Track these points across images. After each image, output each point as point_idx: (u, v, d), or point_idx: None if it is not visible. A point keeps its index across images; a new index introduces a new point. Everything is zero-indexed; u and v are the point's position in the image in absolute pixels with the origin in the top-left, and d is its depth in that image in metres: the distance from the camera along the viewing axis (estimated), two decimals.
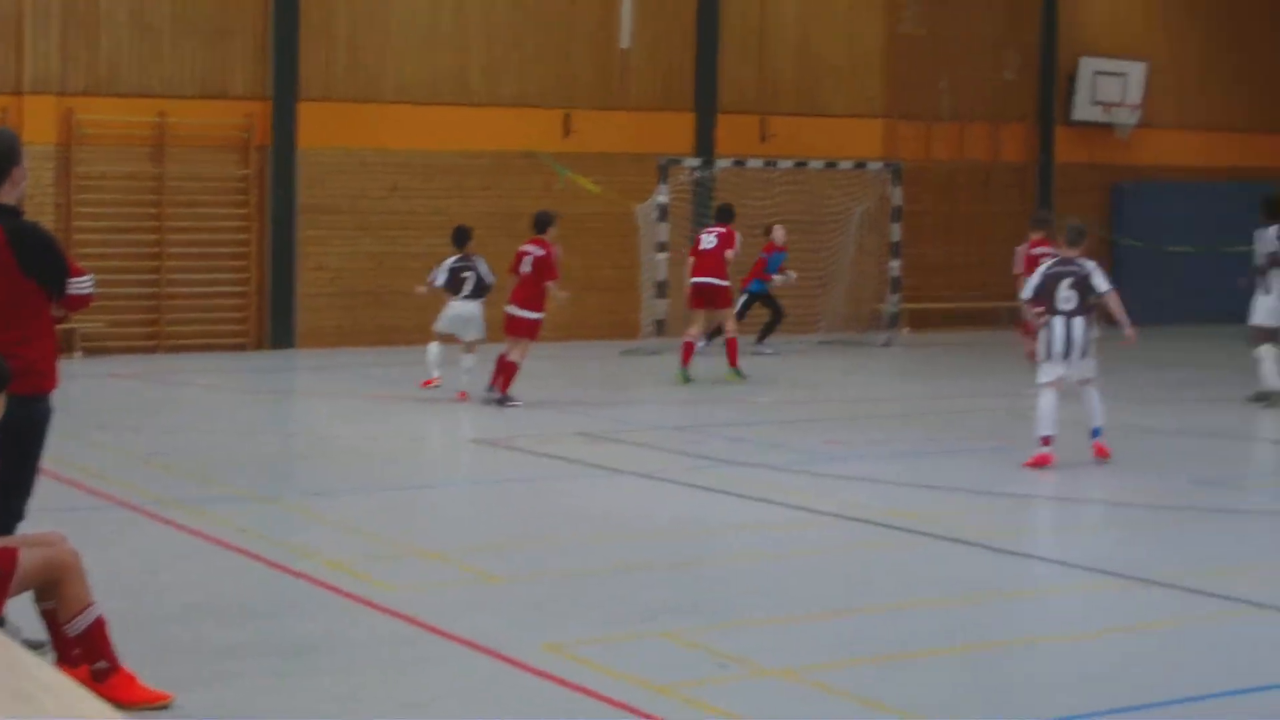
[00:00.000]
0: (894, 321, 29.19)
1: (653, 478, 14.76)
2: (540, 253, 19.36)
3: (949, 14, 32.19)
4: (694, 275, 22.45)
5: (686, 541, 12.26)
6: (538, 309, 19.32)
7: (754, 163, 28.91)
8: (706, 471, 15.05)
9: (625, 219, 27.93)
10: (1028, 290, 15.82)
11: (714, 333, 24.49)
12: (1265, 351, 19.57)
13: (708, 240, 22.74)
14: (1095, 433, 15.49)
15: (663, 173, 27.18)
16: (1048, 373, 15.38)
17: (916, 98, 32.01)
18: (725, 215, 23.58)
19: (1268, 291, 19.95)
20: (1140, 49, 34.16)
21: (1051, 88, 33.26)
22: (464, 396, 19.56)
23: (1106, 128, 33.67)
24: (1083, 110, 33.36)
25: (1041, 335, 15.60)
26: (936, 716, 7.80)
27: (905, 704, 8.00)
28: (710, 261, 22.43)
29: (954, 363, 25.88)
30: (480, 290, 19.93)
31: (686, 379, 21.85)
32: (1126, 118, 33.59)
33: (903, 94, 31.82)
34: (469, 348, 19.82)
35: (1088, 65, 33.28)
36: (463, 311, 19.86)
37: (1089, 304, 15.44)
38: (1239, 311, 32.88)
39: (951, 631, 9.47)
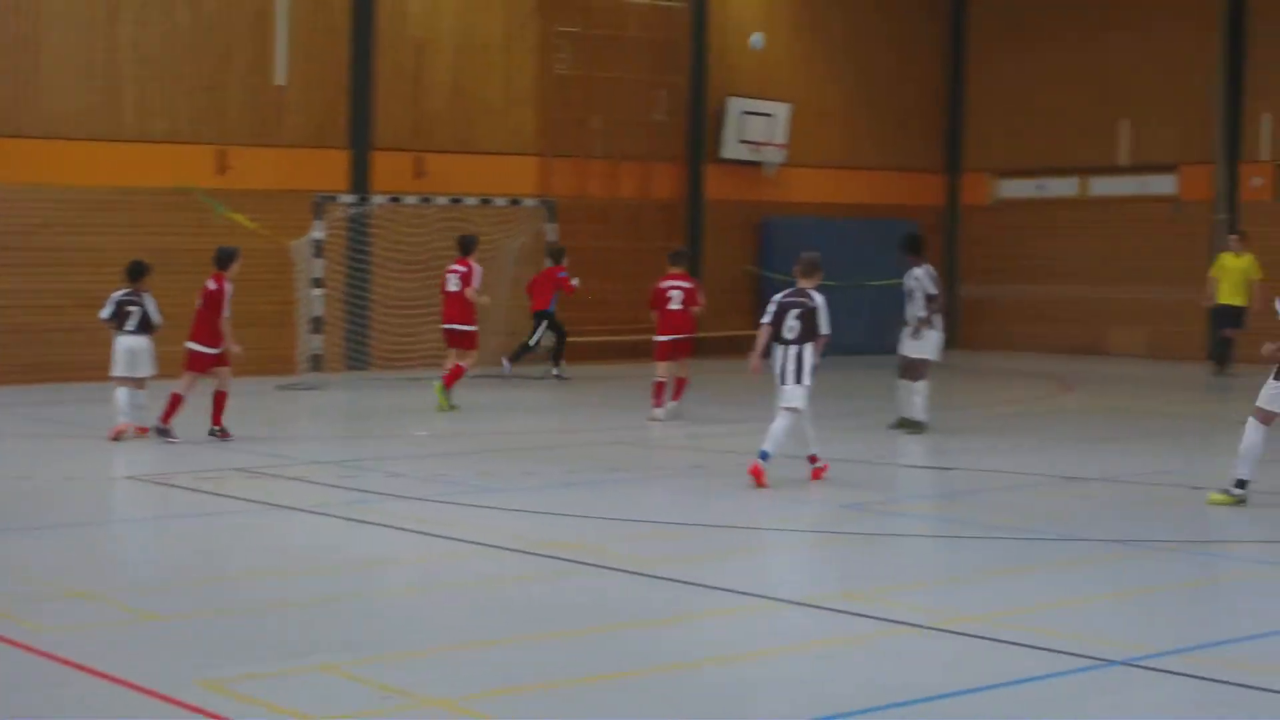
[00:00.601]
0: (553, 356, 29.53)
1: (312, 512, 14.76)
2: (213, 287, 19.37)
3: (601, 55, 32.77)
4: (443, 319, 23.43)
5: (346, 575, 12.28)
6: (214, 344, 19.36)
7: (410, 199, 29.06)
8: (365, 506, 15.11)
9: (281, 255, 27.80)
10: (765, 316, 16.48)
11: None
12: (920, 386, 20.36)
13: (452, 281, 23.24)
14: (763, 455, 16.07)
15: (318, 209, 27.15)
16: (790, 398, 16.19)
17: (570, 136, 32.52)
18: (466, 247, 23.70)
19: (932, 327, 20.46)
20: (785, 91, 35.24)
21: (701, 127, 34.09)
22: (144, 432, 19.51)
23: (754, 166, 34.64)
24: (731, 149, 34.25)
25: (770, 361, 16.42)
26: None
27: None
28: (454, 305, 23.18)
29: (608, 395, 26.31)
30: (146, 326, 19.69)
31: (448, 406, 22.81)
32: (773, 156, 34.63)
33: (556, 132, 32.29)
34: (139, 384, 19.60)
35: (735, 105, 34.20)
36: (131, 345, 19.60)
37: (814, 334, 16.26)
38: (882, 343, 34.15)
39: (609, 657, 9.67)
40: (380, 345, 29.40)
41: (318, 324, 26.96)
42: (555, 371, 28.73)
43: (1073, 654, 9.61)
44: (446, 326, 23.40)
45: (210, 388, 19.48)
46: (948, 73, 38.05)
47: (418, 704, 8.62)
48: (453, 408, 22.59)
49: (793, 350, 16.26)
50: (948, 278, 37.67)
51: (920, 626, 10.34)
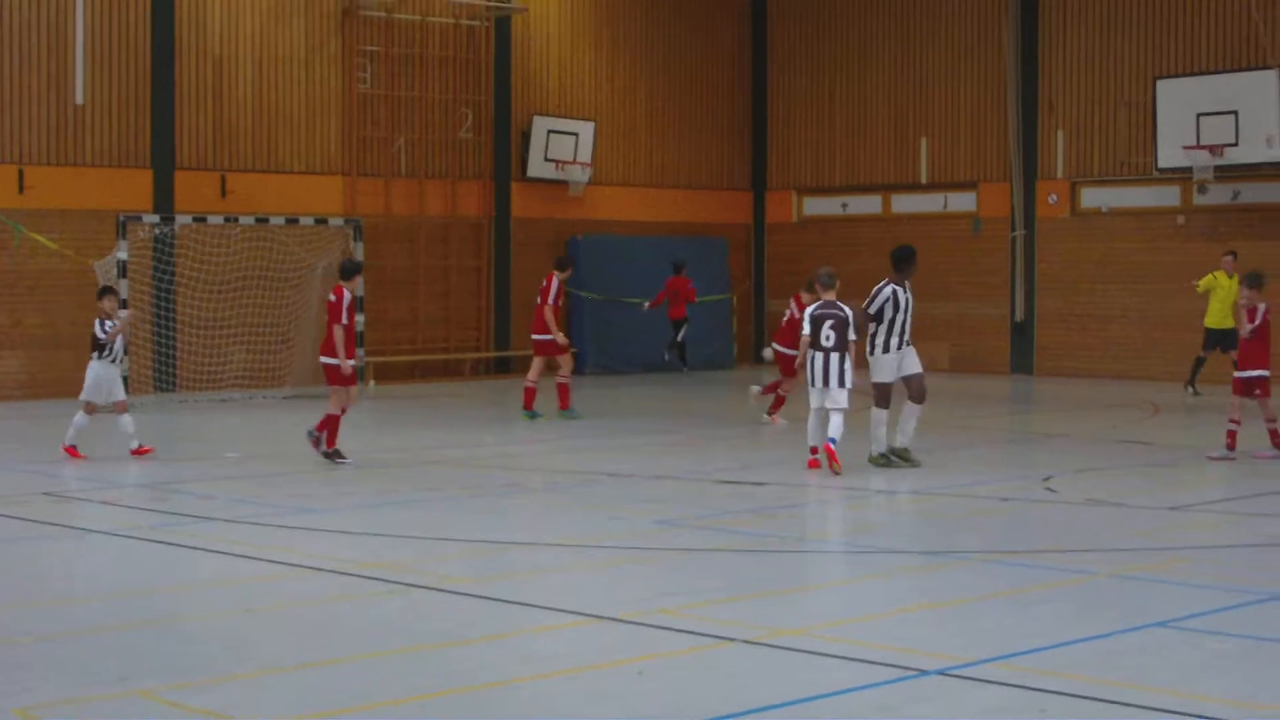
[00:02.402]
0: (360, 375, 29.37)
1: (124, 536, 14.58)
2: (333, 299, 19.50)
3: (405, 74, 32.72)
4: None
5: (160, 599, 12.14)
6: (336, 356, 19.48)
7: (214, 219, 28.78)
8: (178, 529, 14.95)
9: (85, 275, 27.38)
10: (805, 328, 18.76)
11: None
12: (879, 415, 19.04)
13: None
14: (831, 441, 18.20)
15: (122, 229, 26.79)
16: (812, 399, 18.54)
17: (375, 155, 32.41)
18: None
19: (886, 350, 19.06)
20: (589, 110, 35.44)
21: (506, 146, 34.14)
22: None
23: (560, 184, 34.76)
24: (537, 167, 34.35)
25: (807, 366, 18.59)
26: None
27: None
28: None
29: (419, 414, 26.24)
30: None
31: (532, 417, 24.24)
32: (578, 175, 34.78)
33: (362, 151, 32.17)
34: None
35: (541, 124, 34.30)
36: (107, 374, 20.15)
37: (846, 342, 18.46)
38: (693, 361, 34.42)
39: (425, 676, 9.66)
40: (188, 366, 29.06)
41: (124, 345, 26.53)
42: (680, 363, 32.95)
43: (888, 665, 9.77)
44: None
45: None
46: (751, 92, 38.47)
47: None
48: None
49: (834, 357, 18.46)
50: (756, 295, 38.14)
51: (736, 640, 10.44)
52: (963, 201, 35.37)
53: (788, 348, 21.76)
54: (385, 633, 10.85)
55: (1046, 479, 17.85)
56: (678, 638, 10.60)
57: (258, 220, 29.08)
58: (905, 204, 36.23)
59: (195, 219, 28.62)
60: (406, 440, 22.28)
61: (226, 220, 28.90)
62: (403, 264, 32.78)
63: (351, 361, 19.43)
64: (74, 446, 19.93)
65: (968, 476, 18.39)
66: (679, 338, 32.45)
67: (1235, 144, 30.18)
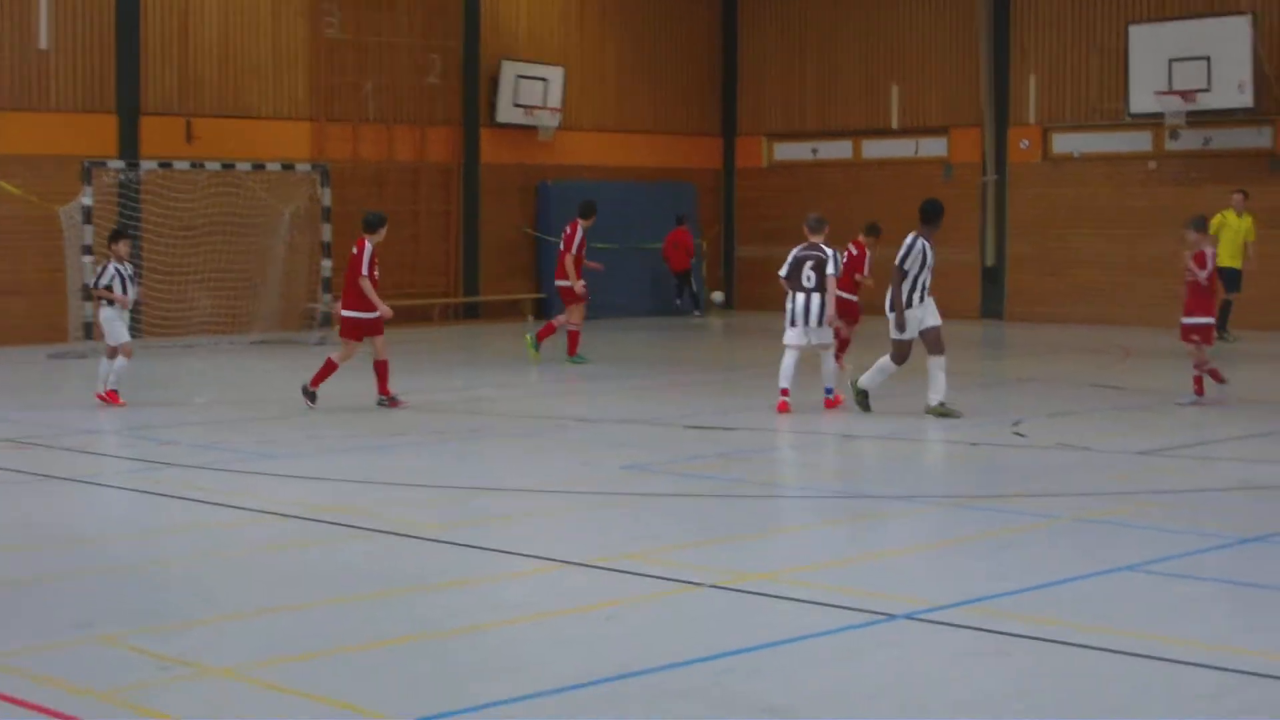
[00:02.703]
0: (327, 320, 29.27)
1: (87, 483, 14.49)
2: (355, 251, 19.31)
3: (372, 19, 32.50)
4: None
5: (123, 545, 12.07)
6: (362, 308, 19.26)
7: (180, 165, 28.57)
8: (141, 475, 14.86)
9: (49, 222, 27.21)
10: (783, 270, 19.11)
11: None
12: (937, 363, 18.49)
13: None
14: (827, 391, 19.03)
15: (87, 175, 26.59)
16: (790, 337, 18.84)
17: (342, 100, 32.21)
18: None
19: (908, 304, 18.58)
20: (558, 55, 35.25)
21: (475, 91, 33.95)
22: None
23: (529, 130, 34.59)
24: (506, 113, 34.19)
25: (787, 306, 18.96)
26: (384, 709, 7.91)
27: (353, 698, 8.08)
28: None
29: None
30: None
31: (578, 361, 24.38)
32: (548, 120, 34.60)
33: (329, 96, 31.97)
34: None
35: (510, 70, 34.11)
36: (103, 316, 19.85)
37: (825, 282, 18.80)
38: (661, 305, 34.33)
39: (392, 622, 9.61)
40: (153, 313, 28.89)
41: (88, 291, 26.38)
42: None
43: (855, 609, 9.74)
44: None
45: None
46: (721, 37, 38.30)
47: (200, 674, 8.50)
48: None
49: (814, 297, 18.88)
50: (725, 240, 38.06)
51: (703, 585, 10.40)
52: (934, 147, 35.30)
53: (848, 293, 21.77)
54: (351, 578, 10.79)
55: (1016, 423, 17.83)
56: (646, 583, 10.56)
57: (224, 166, 28.89)
58: (876, 149, 36.14)
59: (161, 164, 28.42)
60: (373, 386, 22.14)
61: (193, 166, 28.69)
62: (371, 209, 32.53)
63: (375, 313, 19.17)
64: (114, 391, 19.61)
65: (936, 422, 18.36)
66: (693, 289, 34.68)
67: (1207, 90, 30.15)
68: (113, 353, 19.58)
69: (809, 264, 18.89)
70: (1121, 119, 32.03)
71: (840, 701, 8.03)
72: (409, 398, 20.05)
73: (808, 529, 12.53)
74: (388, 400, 19.44)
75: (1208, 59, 30.07)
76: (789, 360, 18.79)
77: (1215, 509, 13.26)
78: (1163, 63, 30.53)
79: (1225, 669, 8.49)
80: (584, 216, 24.61)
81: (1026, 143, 33.75)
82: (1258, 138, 31.06)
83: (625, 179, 36.06)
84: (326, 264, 29.08)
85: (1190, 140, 31.50)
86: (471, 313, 34.07)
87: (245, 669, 8.56)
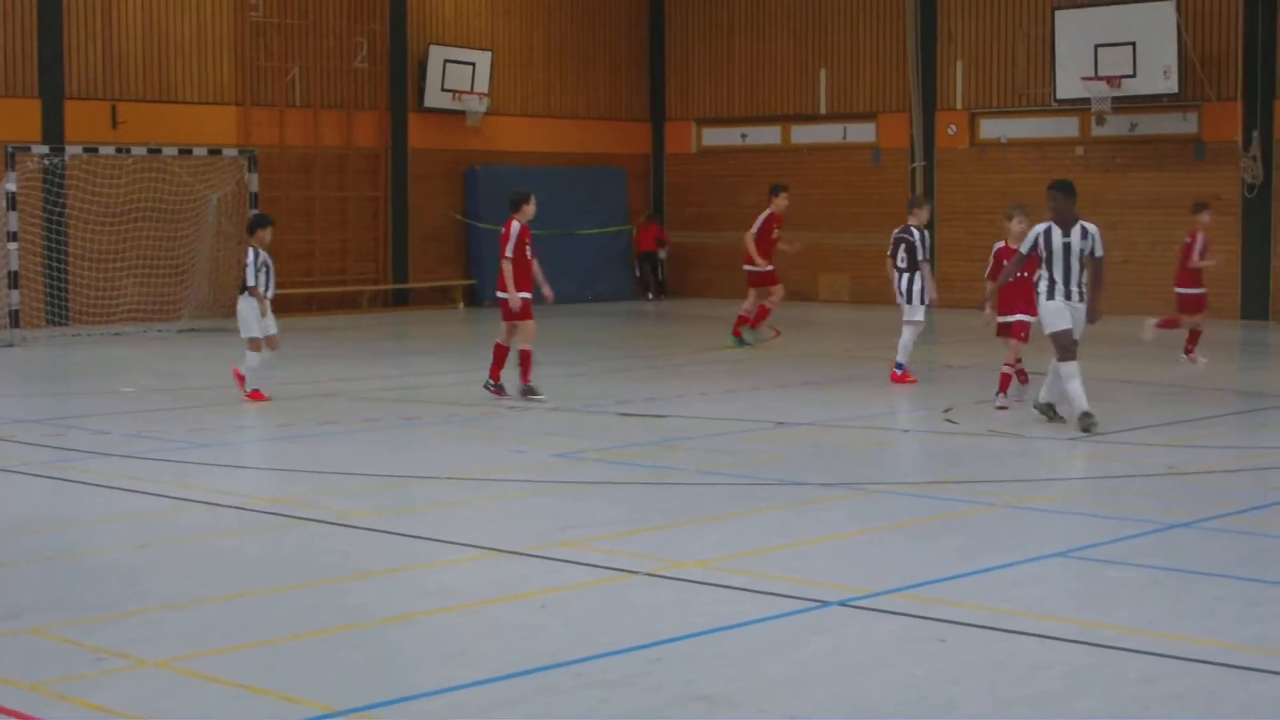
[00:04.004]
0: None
1: (15, 472, 14.35)
2: (502, 230, 18.84)
3: (298, 2, 32.31)
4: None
5: (52, 536, 11.98)
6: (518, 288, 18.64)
7: (106, 150, 28.33)
8: (70, 464, 14.75)
9: None
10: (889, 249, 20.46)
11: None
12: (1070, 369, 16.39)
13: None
14: (899, 366, 20.08)
15: (11, 160, 26.34)
16: (910, 314, 20.01)
17: (269, 85, 32.03)
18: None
19: (1050, 296, 16.37)
20: (486, 39, 35.17)
21: (403, 76, 33.82)
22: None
23: (458, 114, 34.48)
24: (434, 98, 34.07)
25: (899, 285, 20.14)
26: (318, 698, 7.89)
27: (287, 687, 8.06)
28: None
29: (315, 348, 26.00)
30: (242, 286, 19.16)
31: (740, 343, 24.83)
32: (476, 105, 34.51)
33: (255, 81, 31.77)
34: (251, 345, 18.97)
35: (437, 54, 34.00)
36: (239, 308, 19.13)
37: (918, 264, 20.10)
38: (593, 292, 34.29)
39: (327, 612, 9.58)
40: (80, 300, 28.69)
41: (14, 279, 26.16)
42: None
43: (790, 596, 9.77)
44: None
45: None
46: (649, 20, 38.28)
47: (134, 666, 8.45)
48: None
49: (904, 276, 20.13)
50: (656, 226, 38.00)
51: (638, 573, 10.41)
52: (862, 132, 35.39)
53: (1190, 287, 22.56)
54: (283, 568, 10.76)
55: (947, 410, 17.91)
56: (580, 570, 10.57)
57: (150, 151, 28.67)
58: (805, 134, 36.20)
59: (86, 149, 28.17)
60: (304, 373, 22.07)
61: (118, 151, 28.46)
62: (298, 195, 32.46)
63: (522, 295, 18.59)
64: (257, 389, 18.89)
65: (868, 408, 18.43)
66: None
67: (1133, 75, 30.34)
68: (257, 345, 18.88)
69: (903, 245, 20.16)
70: (1049, 104, 32.19)
71: (775, 689, 8.05)
72: (337, 386, 19.95)
73: (741, 516, 12.54)
74: (526, 391, 18.76)
75: (1133, 45, 30.26)
76: (906, 337, 20.05)
77: (1144, 495, 13.35)
78: (1089, 48, 30.69)
79: (1157, 654, 8.56)
80: (775, 194, 25.21)
81: (954, 128, 33.89)
82: (1183, 124, 31.29)
83: (554, 164, 36.01)
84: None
85: (1117, 126, 31.69)
86: (401, 299, 33.96)
87: (179, 660, 8.51)
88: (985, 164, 33.54)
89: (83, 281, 28.68)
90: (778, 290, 25.29)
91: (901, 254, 20.25)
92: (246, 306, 18.94)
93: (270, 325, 18.98)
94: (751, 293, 24.91)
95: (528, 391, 18.76)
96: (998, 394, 18.11)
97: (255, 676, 8.27)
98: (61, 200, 28.48)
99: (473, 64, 34.46)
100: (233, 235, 29.84)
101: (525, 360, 18.83)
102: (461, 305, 34.08)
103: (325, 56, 32.82)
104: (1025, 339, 18.41)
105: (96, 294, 28.73)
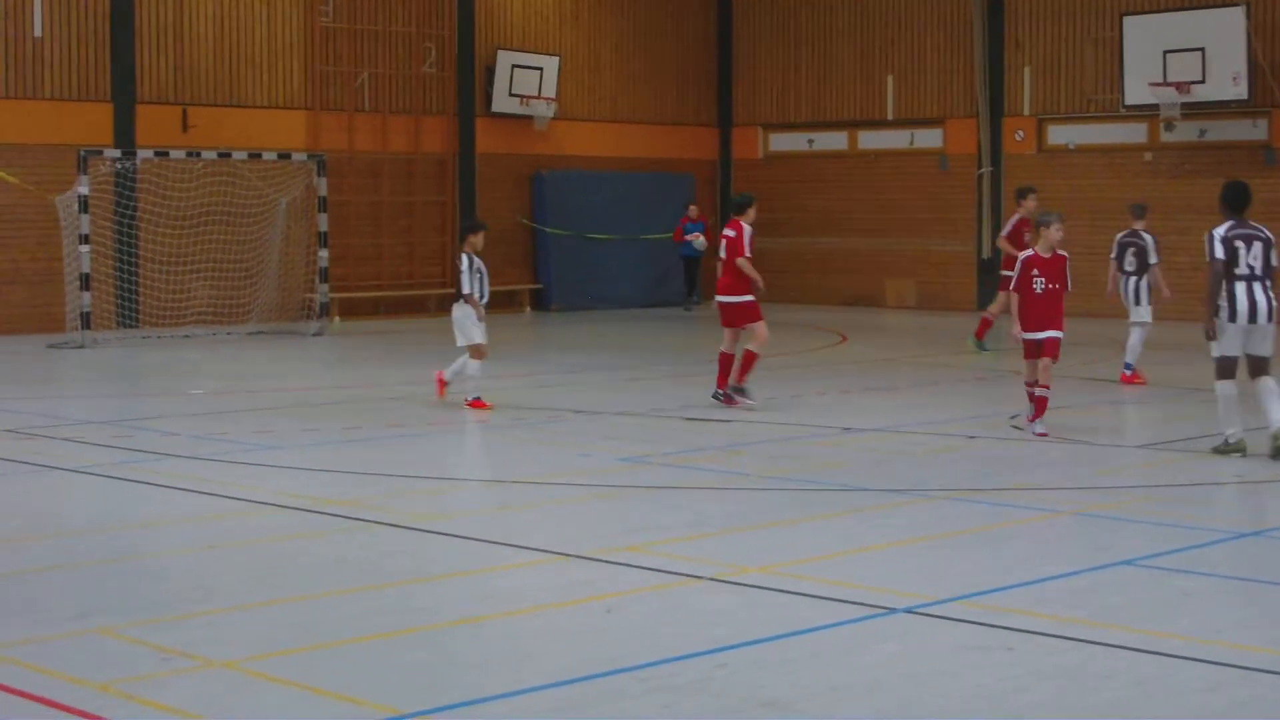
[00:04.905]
0: (324, 311, 29.26)
1: (85, 473, 14.47)
2: (731, 234, 18.61)
3: (367, 8, 32.46)
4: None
5: (121, 536, 12.06)
6: (741, 292, 18.48)
7: (176, 154, 28.51)
8: (140, 465, 14.85)
9: (45, 210, 27.22)
10: (1112, 253, 21.19)
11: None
12: (1268, 384, 14.95)
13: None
14: (1127, 366, 20.77)
15: (82, 164, 26.54)
16: (1136, 315, 20.70)
17: (338, 90, 32.18)
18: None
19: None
20: (554, 44, 35.22)
21: (471, 81, 33.91)
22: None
23: (525, 119, 34.54)
24: (501, 102, 34.13)
25: (1124, 290, 20.87)
26: (384, 701, 7.91)
27: (353, 690, 8.08)
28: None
29: (383, 351, 26.11)
30: (458, 293, 18.71)
31: (982, 347, 24.83)
32: (543, 110, 34.56)
33: (324, 86, 31.93)
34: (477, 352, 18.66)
35: (505, 59, 34.06)
36: (454, 315, 18.78)
37: (1148, 267, 20.75)
38: (658, 297, 34.17)
39: (393, 614, 9.61)
40: (149, 302, 28.90)
41: (86, 281, 26.37)
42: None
43: (855, 603, 9.74)
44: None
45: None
46: (717, 26, 38.26)
47: (201, 666, 8.49)
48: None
49: (1133, 280, 20.80)
50: (718, 232, 37.96)
51: (702, 578, 10.40)
52: (929, 138, 35.27)
53: None
54: (348, 570, 10.79)
55: (1013, 417, 17.82)
56: (644, 575, 10.56)
57: (220, 155, 28.84)
58: (871, 140, 36.11)
59: (157, 153, 28.36)
60: (372, 376, 22.16)
61: (189, 155, 28.64)
62: (367, 199, 32.60)
63: (745, 298, 18.35)
64: (479, 399, 18.62)
65: (934, 414, 18.37)
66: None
67: (1202, 81, 30.14)
68: (479, 352, 18.60)
69: (1130, 250, 20.82)
70: (1117, 110, 32.01)
71: (840, 696, 8.03)
72: (406, 389, 20.03)
73: (806, 521, 12.51)
74: (738, 391, 18.42)
75: (1202, 50, 30.07)
76: (1135, 338, 20.63)
77: (1213, 503, 13.27)
78: (1157, 54, 30.51)
79: (1222, 664, 8.50)
80: (1020, 198, 25.06)
81: (1021, 134, 33.74)
82: (1253, 130, 31.07)
83: (621, 169, 36.04)
84: (323, 254, 29.05)
85: (1185, 132, 31.49)
86: None
87: (246, 661, 8.55)
88: (1052, 170, 33.37)
89: (153, 284, 28.89)
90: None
91: (1130, 257, 20.86)
92: (463, 313, 18.53)
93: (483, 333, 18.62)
94: (1001, 295, 24.64)
95: (739, 392, 18.48)
96: (1033, 420, 16.69)
97: (322, 678, 8.30)
98: (133, 203, 28.69)
99: (540, 69, 34.52)
100: (301, 239, 30.02)
101: (749, 361, 18.49)
102: (528, 309, 34.15)
103: (394, 62, 32.95)
104: (1057, 357, 16.80)
105: (166, 296, 28.93)
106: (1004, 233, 25.01)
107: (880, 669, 8.49)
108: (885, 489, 13.77)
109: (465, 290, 18.49)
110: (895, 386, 20.23)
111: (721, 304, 18.81)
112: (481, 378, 18.75)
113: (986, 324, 24.86)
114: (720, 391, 18.66)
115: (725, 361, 18.67)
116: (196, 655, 8.66)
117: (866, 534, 12.04)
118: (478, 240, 18.78)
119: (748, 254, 18.42)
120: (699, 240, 33.62)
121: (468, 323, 18.53)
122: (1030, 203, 24.75)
